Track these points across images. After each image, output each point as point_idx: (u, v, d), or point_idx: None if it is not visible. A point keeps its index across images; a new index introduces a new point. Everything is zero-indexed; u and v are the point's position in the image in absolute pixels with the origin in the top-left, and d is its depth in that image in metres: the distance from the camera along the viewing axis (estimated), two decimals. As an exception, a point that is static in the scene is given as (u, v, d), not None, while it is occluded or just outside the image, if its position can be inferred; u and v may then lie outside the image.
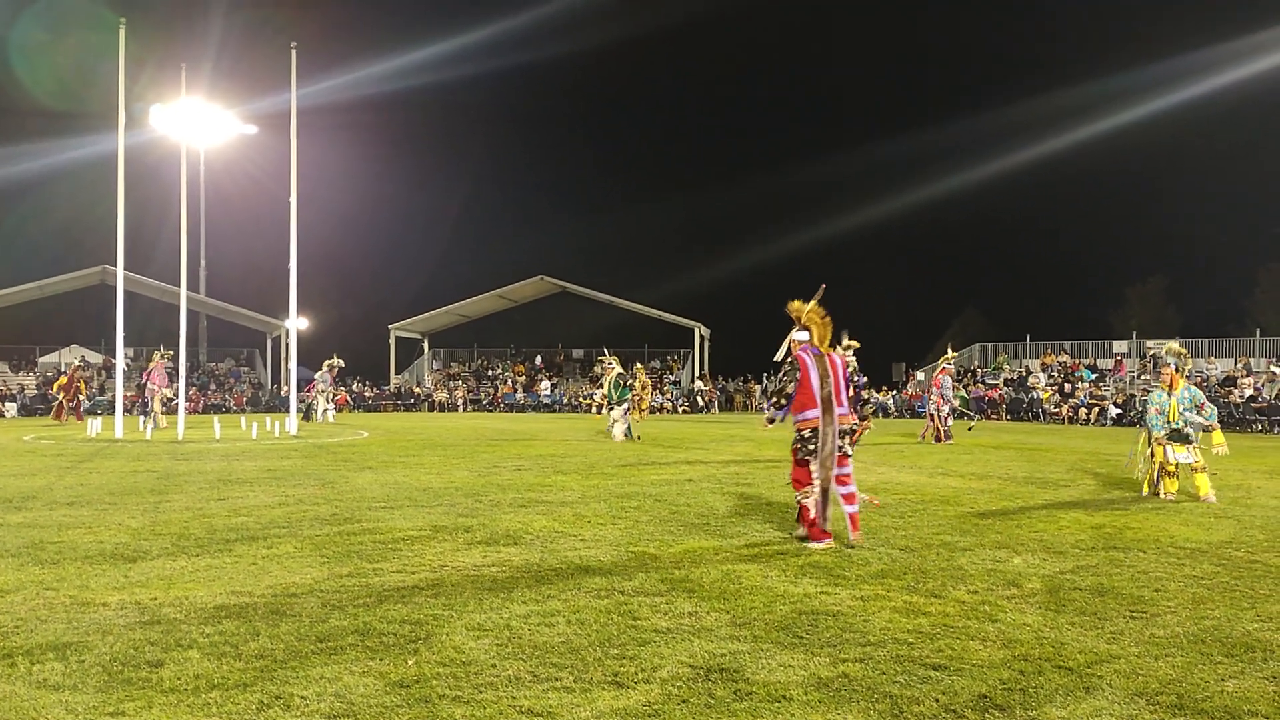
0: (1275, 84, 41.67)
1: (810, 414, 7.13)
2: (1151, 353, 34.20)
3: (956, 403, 19.85)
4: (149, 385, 24.48)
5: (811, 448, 7.13)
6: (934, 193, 58.59)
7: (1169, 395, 10.18)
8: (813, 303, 7.52)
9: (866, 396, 14.97)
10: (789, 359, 7.45)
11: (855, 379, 7.36)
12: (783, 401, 7.30)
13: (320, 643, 4.52)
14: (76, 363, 32.90)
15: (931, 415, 19.80)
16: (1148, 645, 4.61)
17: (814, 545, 6.99)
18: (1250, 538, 7.68)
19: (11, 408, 34.58)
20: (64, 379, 29.30)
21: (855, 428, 7.33)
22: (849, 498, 7.17)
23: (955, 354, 23.81)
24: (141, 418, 24.68)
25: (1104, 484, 11.59)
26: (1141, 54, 60.49)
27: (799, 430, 7.26)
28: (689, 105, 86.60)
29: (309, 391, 29.69)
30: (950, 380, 20.04)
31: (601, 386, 22.36)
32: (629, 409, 19.77)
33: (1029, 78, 69.55)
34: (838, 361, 7.33)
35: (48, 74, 43.19)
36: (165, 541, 7.17)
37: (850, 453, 7.39)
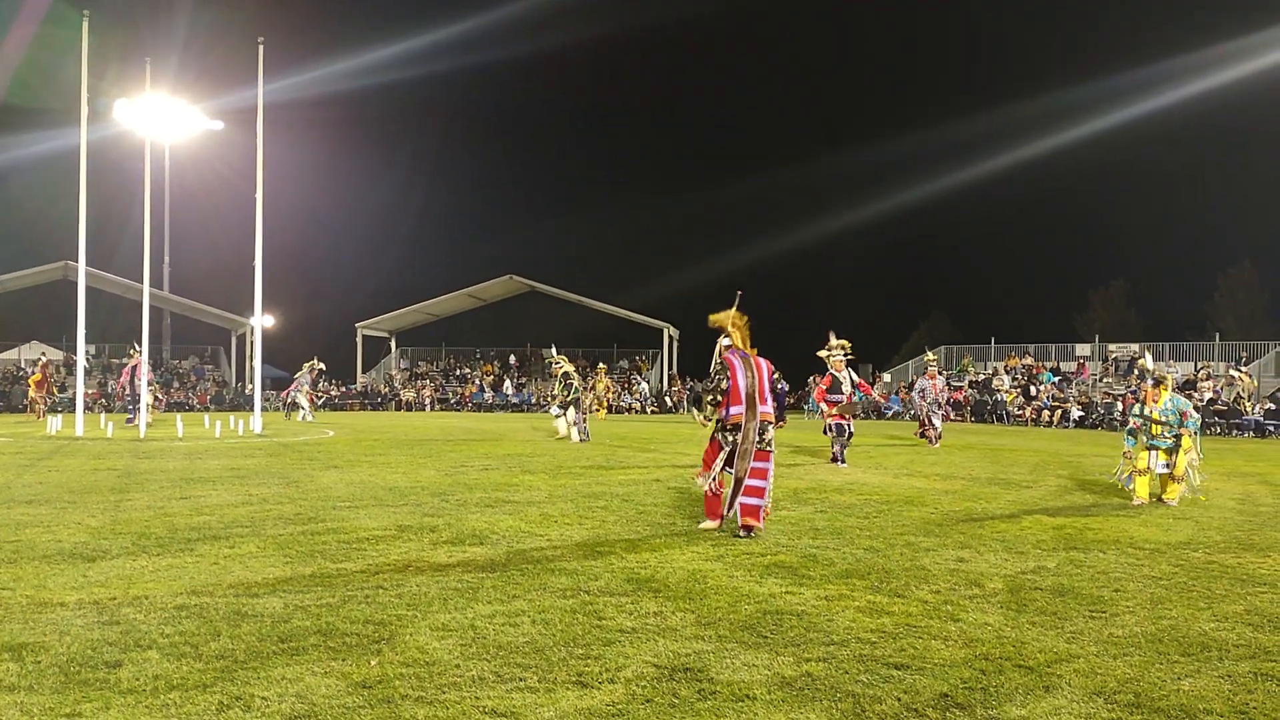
0: (1234, 96, 42.50)
1: (735, 410, 7.70)
2: (1114, 356, 34.70)
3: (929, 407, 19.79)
4: (137, 381, 23.76)
5: (732, 439, 7.70)
6: (901, 198, 59.00)
7: (1146, 409, 10.29)
8: (732, 310, 8.15)
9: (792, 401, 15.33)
10: (719, 362, 8.09)
11: (780, 385, 8.08)
12: (719, 399, 7.88)
13: (282, 643, 4.48)
14: (45, 358, 32.33)
15: (919, 417, 20.19)
16: (1106, 645, 4.67)
17: (704, 524, 7.88)
18: (1208, 539, 7.81)
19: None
20: (38, 375, 28.78)
21: (774, 425, 8.03)
22: (754, 491, 7.60)
23: (933, 355, 23.81)
24: (125, 413, 24.13)
25: (1066, 485, 11.73)
26: (1104, 65, 61.25)
27: (723, 423, 7.86)
28: (662, 108, 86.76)
29: (286, 395, 29.46)
30: (930, 385, 19.86)
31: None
32: (579, 410, 19.69)
33: (992, 87, 70.20)
34: (763, 364, 7.96)
35: (7, 67, 42.37)
36: (125, 540, 7.08)
37: (771, 449, 7.87)
